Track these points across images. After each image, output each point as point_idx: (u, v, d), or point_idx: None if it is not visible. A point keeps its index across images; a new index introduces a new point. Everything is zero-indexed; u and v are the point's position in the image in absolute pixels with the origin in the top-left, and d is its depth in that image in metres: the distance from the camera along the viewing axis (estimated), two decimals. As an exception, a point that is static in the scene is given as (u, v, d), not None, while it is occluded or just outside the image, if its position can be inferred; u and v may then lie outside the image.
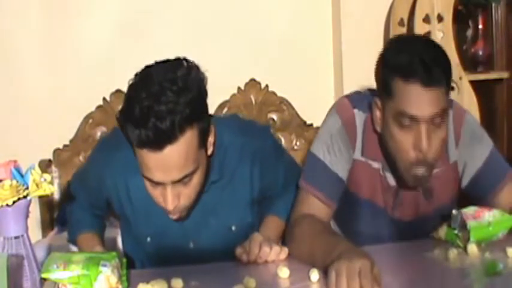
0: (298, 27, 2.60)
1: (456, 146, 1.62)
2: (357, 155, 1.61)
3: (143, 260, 1.60)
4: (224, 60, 2.52)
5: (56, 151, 2.42)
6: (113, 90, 2.43)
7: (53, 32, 2.46)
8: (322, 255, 1.31)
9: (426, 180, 1.53)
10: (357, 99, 1.64)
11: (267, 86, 2.52)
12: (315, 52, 2.61)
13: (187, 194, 1.38)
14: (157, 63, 1.38)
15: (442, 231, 1.52)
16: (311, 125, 2.52)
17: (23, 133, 2.45)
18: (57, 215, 2.31)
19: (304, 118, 2.53)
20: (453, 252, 1.41)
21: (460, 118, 1.63)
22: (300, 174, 1.62)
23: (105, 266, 1.23)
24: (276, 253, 1.45)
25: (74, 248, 1.71)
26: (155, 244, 1.55)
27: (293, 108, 2.53)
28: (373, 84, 1.58)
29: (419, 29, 2.34)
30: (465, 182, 1.64)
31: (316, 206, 1.55)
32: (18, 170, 1.26)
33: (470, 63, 2.62)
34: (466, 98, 2.30)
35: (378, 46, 1.64)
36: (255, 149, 1.54)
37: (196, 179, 1.38)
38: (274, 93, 2.52)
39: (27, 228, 1.27)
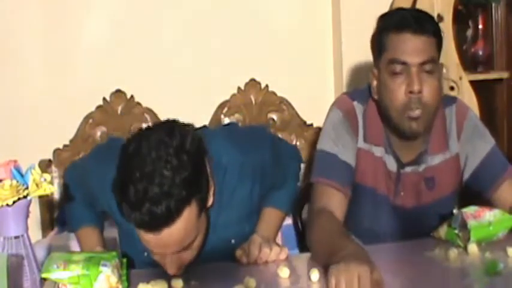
0: (298, 27, 2.60)
1: (458, 139, 1.66)
2: (360, 142, 1.65)
3: (140, 265, 1.58)
4: (224, 60, 2.53)
5: (56, 151, 2.42)
6: (113, 90, 2.44)
7: (53, 31, 2.46)
8: (326, 256, 1.31)
9: (421, 122, 1.55)
10: (356, 93, 1.72)
11: (267, 86, 2.52)
12: (315, 52, 2.61)
13: (188, 256, 1.35)
14: (148, 129, 1.33)
15: (443, 231, 1.52)
16: (311, 125, 2.52)
17: (23, 133, 2.44)
18: (57, 215, 2.31)
19: (304, 118, 2.53)
20: (453, 252, 1.41)
21: (464, 112, 1.68)
22: (296, 158, 1.69)
23: (105, 266, 1.23)
24: (276, 254, 1.45)
25: (74, 247, 1.71)
26: (152, 258, 1.52)
27: (293, 108, 2.53)
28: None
29: (419, 29, 2.33)
30: (466, 175, 1.67)
31: (333, 196, 1.58)
32: (18, 170, 1.26)
33: (470, 63, 2.62)
34: (466, 98, 2.30)
35: (378, 46, 1.65)
36: (254, 167, 1.52)
37: (197, 243, 1.35)
38: (274, 93, 2.52)
39: (27, 228, 1.27)
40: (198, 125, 1.45)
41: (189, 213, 1.26)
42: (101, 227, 1.68)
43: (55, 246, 1.87)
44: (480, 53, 2.64)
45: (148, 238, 1.27)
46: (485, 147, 1.66)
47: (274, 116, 2.52)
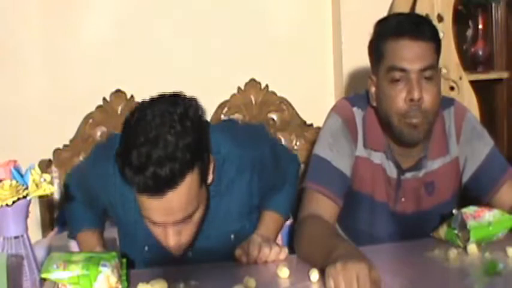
0: (298, 27, 2.59)
1: (457, 142, 1.65)
2: (359, 149, 1.63)
3: (140, 264, 1.59)
4: (224, 60, 2.53)
5: (56, 151, 2.41)
6: (113, 90, 2.43)
7: (53, 31, 2.46)
8: (321, 258, 1.30)
9: (422, 129, 1.53)
10: (355, 98, 1.69)
11: (267, 86, 2.52)
12: (315, 52, 2.61)
13: (188, 230, 1.37)
14: (153, 99, 1.35)
15: (442, 231, 1.52)
16: (311, 125, 2.51)
17: (23, 133, 2.44)
18: (57, 215, 2.31)
19: (304, 118, 2.52)
20: (453, 252, 1.42)
21: (462, 114, 1.67)
22: (296, 162, 1.68)
23: (105, 266, 1.23)
24: (275, 253, 1.45)
25: (73, 247, 1.71)
26: (153, 253, 1.52)
27: (293, 108, 2.52)
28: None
29: (419, 29, 2.33)
30: (466, 177, 1.67)
31: (322, 203, 1.56)
32: (18, 170, 1.26)
33: (470, 63, 2.62)
34: (466, 98, 2.30)
35: (378, 46, 1.64)
36: (253, 160, 1.53)
37: (198, 216, 1.37)
38: (274, 93, 2.52)
39: (27, 228, 1.27)
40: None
41: (191, 179, 1.28)
42: (101, 228, 1.69)
43: (55, 246, 1.87)
44: (480, 53, 2.64)
45: (152, 205, 1.28)
46: (484, 149, 1.65)
47: (274, 116, 2.52)
